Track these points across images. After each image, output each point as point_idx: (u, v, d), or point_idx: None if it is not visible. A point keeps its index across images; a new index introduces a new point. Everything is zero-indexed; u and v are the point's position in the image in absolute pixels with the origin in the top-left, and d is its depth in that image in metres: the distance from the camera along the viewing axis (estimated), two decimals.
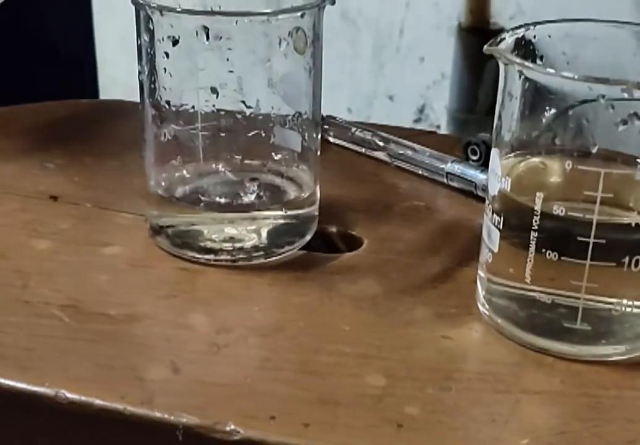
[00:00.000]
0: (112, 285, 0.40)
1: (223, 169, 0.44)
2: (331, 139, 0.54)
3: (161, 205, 0.43)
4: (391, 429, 0.33)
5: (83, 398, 0.33)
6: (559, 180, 0.36)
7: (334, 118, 0.54)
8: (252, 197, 0.44)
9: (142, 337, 0.37)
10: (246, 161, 0.44)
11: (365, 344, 0.37)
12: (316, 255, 0.44)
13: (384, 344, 0.37)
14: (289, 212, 0.43)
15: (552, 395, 0.34)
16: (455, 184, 0.49)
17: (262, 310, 0.39)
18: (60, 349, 0.36)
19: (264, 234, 0.43)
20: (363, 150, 0.53)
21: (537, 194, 0.35)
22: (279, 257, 0.43)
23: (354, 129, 0.53)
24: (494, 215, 0.37)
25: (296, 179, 0.45)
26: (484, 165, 0.49)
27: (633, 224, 0.34)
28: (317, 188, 0.45)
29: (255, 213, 0.43)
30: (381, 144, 0.52)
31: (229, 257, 0.42)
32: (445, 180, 0.49)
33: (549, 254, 0.35)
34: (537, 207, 0.35)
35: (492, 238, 0.37)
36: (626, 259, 0.34)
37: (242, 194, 0.44)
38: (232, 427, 0.32)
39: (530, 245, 0.35)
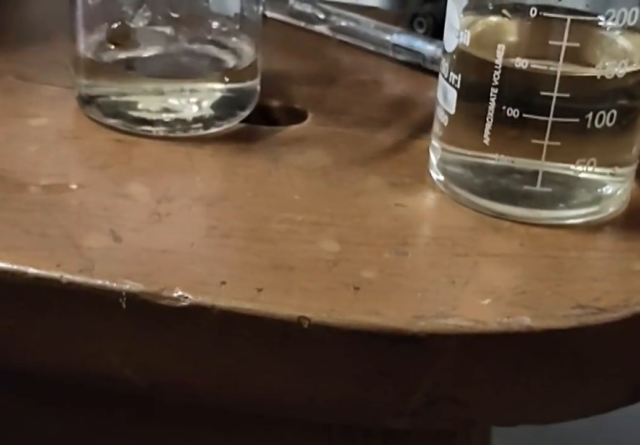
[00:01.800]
0: (41, 156, 0.37)
1: (158, 34, 0.41)
2: (268, 14, 0.51)
3: (91, 72, 0.40)
4: (348, 291, 0.31)
5: (15, 267, 0.31)
6: (521, 33, 0.34)
7: None
8: (189, 66, 0.41)
9: (77, 206, 0.34)
10: (182, 28, 0.41)
11: (316, 212, 0.35)
12: (259, 128, 0.41)
13: (337, 212, 0.35)
14: (230, 85, 0.41)
15: (512, 257, 0.33)
16: (402, 57, 0.47)
17: (205, 180, 0.37)
18: None
19: (203, 105, 0.40)
20: (303, 24, 0.50)
21: (499, 46, 0.33)
22: (219, 129, 0.40)
23: (292, 2, 0.50)
24: (451, 73, 0.35)
25: (235, 48, 0.42)
26: None
27: (598, 77, 0.33)
28: (259, 59, 0.42)
29: (193, 83, 0.40)
30: (322, 16, 0.49)
31: (166, 128, 0.39)
32: (391, 54, 0.47)
33: (510, 112, 0.33)
34: (498, 61, 0.33)
35: (448, 99, 0.35)
36: (590, 115, 0.33)
37: (178, 63, 0.41)
38: (180, 293, 0.30)
39: (490, 103, 0.34)
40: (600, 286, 0.32)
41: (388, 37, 0.47)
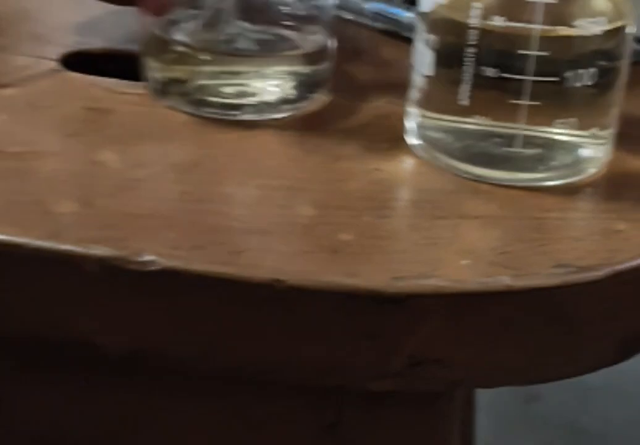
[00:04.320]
0: (11, 124, 0.36)
1: None
2: None
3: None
4: (325, 254, 0.30)
5: None
6: None
7: None
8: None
9: (48, 173, 0.33)
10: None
11: (293, 177, 0.35)
12: None
13: (313, 177, 0.35)
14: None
15: (493, 219, 0.33)
16: (380, 25, 0.46)
17: (179, 147, 0.36)
18: None
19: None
20: None
21: (475, 5, 0.32)
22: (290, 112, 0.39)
23: None
24: (428, 35, 0.34)
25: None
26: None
27: (576, 35, 0.32)
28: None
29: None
30: None
31: (254, 114, 0.38)
32: (369, 22, 0.46)
33: (488, 72, 0.33)
34: (475, 20, 0.32)
35: (425, 62, 0.35)
36: (569, 74, 0.32)
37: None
38: (151, 257, 0.29)
39: (468, 63, 0.33)
40: (582, 246, 0.31)
41: (366, 6, 0.46)
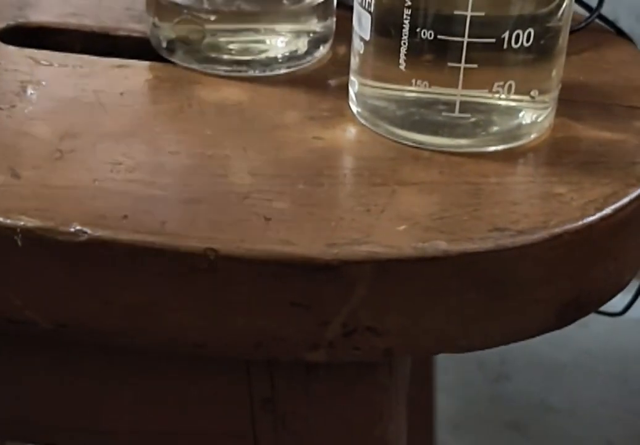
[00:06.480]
0: None
1: None
2: None
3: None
4: (259, 222, 0.30)
5: None
6: None
7: None
8: None
9: None
10: None
11: (229, 146, 0.34)
12: (171, 66, 0.40)
13: (250, 146, 0.34)
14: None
15: (431, 185, 0.32)
16: None
17: (112, 117, 0.35)
18: None
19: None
20: None
21: None
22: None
23: None
24: None
25: None
26: None
27: None
28: None
29: None
30: None
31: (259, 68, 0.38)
32: None
33: (424, 34, 0.32)
34: None
35: (362, 24, 0.34)
36: (505, 35, 0.32)
37: None
38: (78, 227, 0.29)
39: (404, 25, 0.32)
40: (519, 209, 0.31)
41: None
